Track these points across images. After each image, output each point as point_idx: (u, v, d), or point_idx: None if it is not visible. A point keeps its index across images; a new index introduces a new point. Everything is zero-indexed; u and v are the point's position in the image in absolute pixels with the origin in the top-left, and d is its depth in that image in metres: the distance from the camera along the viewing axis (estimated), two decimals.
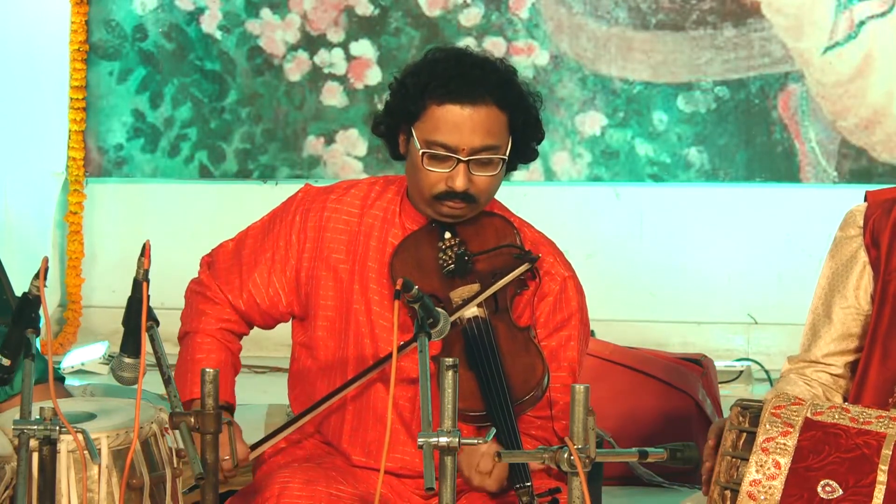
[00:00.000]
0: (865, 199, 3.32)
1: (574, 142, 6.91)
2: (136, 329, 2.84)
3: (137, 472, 2.92)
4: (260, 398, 5.25)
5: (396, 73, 3.37)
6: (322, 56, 7.06)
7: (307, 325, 3.40)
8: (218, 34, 7.12)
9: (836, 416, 2.88)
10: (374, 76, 7.04)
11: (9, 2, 7.10)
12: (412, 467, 3.28)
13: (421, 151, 3.24)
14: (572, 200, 6.96)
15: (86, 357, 6.61)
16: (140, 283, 2.82)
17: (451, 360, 2.66)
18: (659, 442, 3.13)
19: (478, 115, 3.22)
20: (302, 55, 7.07)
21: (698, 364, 5.24)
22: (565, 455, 2.64)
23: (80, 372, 6.50)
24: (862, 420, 2.87)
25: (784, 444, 2.85)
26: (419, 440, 2.62)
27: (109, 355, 6.55)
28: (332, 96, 7.07)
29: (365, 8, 7.03)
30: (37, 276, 2.83)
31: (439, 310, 2.95)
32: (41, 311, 2.88)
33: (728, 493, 2.88)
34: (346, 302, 3.34)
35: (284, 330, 3.54)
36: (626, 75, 6.89)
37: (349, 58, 7.05)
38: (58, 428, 2.71)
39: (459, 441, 2.63)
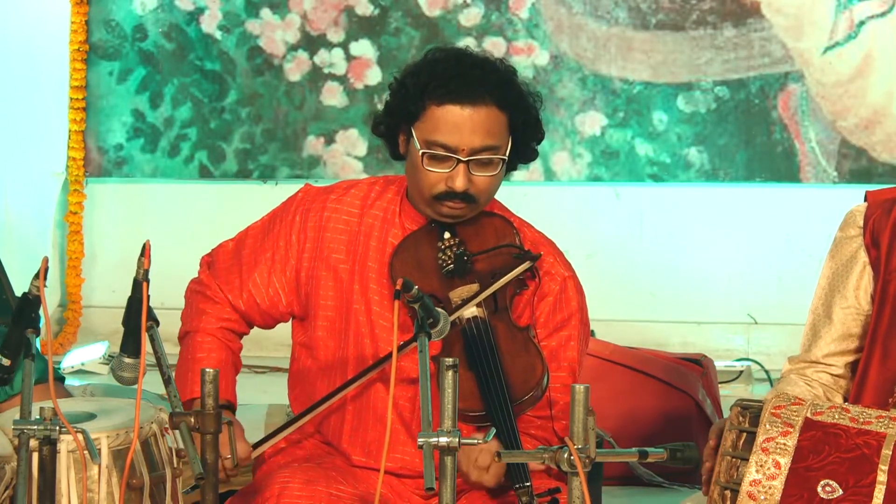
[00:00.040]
0: (865, 199, 3.32)
1: (574, 142, 6.91)
2: (136, 329, 2.84)
3: (137, 472, 2.92)
4: (260, 398, 5.24)
5: (396, 73, 3.37)
6: (322, 56, 7.06)
7: (307, 325, 3.40)
8: (218, 34, 7.12)
9: (836, 416, 2.88)
10: (374, 76, 7.04)
11: (9, 2, 7.10)
12: (412, 467, 3.28)
13: (421, 152, 3.24)
14: (572, 200, 6.96)
15: (86, 357, 6.60)
16: (140, 283, 2.81)
17: (450, 360, 2.66)
18: (659, 442, 3.13)
19: (478, 116, 3.22)
20: (302, 55, 7.07)
21: (698, 364, 5.24)
22: (565, 455, 2.64)
23: (80, 372, 6.50)
24: (862, 420, 2.87)
25: (784, 444, 2.85)
26: (419, 440, 2.62)
27: (109, 355, 6.55)
28: (332, 96, 7.07)
29: (365, 8, 7.03)
30: (37, 276, 2.83)
31: (439, 310, 2.95)
32: (41, 311, 2.88)
33: (728, 493, 2.88)
34: (346, 302, 3.34)
35: (284, 330, 3.54)
36: (626, 75, 6.89)
37: (349, 58, 7.05)
38: (58, 428, 2.70)
39: (459, 441, 2.63)
